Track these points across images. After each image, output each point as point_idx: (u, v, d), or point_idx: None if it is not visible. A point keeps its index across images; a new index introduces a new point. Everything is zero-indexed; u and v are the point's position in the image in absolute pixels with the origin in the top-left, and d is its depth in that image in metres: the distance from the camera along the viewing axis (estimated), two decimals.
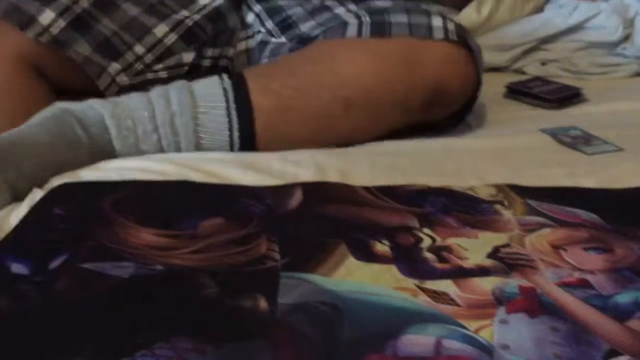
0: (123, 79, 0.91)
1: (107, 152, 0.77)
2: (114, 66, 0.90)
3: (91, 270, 0.58)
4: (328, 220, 0.68)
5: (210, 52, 0.97)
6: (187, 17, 0.95)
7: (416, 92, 0.85)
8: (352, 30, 0.87)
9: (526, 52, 1.34)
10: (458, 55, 0.88)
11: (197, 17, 0.96)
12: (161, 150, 0.79)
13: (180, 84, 0.82)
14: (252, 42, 1.00)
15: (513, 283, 0.58)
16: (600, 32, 1.31)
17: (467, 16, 1.41)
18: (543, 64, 1.32)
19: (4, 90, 0.86)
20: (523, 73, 1.31)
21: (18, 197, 0.71)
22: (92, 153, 0.77)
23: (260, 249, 0.62)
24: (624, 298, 0.57)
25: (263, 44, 0.98)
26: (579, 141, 0.90)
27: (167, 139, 0.79)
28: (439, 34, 0.88)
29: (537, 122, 0.98)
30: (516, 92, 1.14)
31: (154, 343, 0.48)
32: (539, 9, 1.47)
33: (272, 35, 0.98)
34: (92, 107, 0.78)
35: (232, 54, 0.99)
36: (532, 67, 1.32)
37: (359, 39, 0.87)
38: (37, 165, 0.73)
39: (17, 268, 0.58)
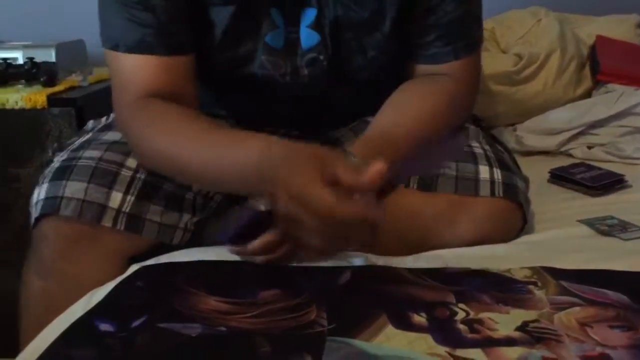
0: (193, 221, 0.93)
1: None
2: (185, 217, 0.92)
3: (166, 328, 0.68)
4: (372, 294, 0.75)
5: None
6: None
7: (450, 244, 0.87)
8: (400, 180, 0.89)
9: (573, 137, 1.39)
10: (502, 212, 0.89)
11: None
12: None
13: None
14: None
15: (537, 353, 0.64)
16: None
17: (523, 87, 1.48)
18: (589, 147, 1.37)
19: None
20: (570, 156, 1.37)
21: None
22: None
23: (310, 316, 0.70)
24: None
25: None
26: (615, 229, 0.94)
27: None
28: (485, 191, 0.88)
29: (578, 211, 1.02)
30: (559, 177, 1.18)
31: None
32: (588, 94, 1.54)
33: None
34: None
35: None
36: (579, 151, 1.37)
37: (404, 191, 0.88)
38: None
39: (105, 327, 0.69)
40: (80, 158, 0.89)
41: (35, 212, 0.87)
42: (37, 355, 0.64)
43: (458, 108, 0.97)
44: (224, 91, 1.03)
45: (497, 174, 0.91)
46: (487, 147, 0.97)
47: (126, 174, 0.88)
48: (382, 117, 0.92)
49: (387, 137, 0.86)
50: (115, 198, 0.86)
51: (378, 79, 0.99)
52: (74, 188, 0.85)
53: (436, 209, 0.88)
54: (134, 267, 0.82)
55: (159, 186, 0.91)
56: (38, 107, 1.43)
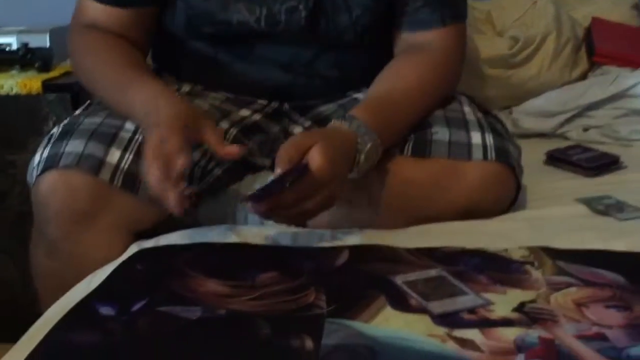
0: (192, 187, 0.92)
1: None
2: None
3: (165, 312, 0.68)
4: (370, 275, 0.76)
5: (256, 161, 1.02)
6: (228, 130, 0.99)
7: (446, 213, 0.89)
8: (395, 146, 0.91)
9: (569, 119, 1.39)
10: (495, 176, 0.90)
11: (234, 130, 1.00)
12: None
13: None
14: None
15: (534, 334, 0.65)
16: None
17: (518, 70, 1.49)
18: (585, 130, 1.37)
19: None
20: (566, 139, 1.37)
21: None
22: None
23: (308, 298, 0.71)
24: (637, 350, 0.62)
25: None
26: (612, 209, 0.94)
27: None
28: (477, 155, 0.90)
29: (575, 191, 1.02)
30: (556, 159, 1.19)
31: None
32: (584, 76, 1.54)
33: None
34: None
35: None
36: (574, 134, 1.37)
37: (399, 158, 0.90)
38: None
39: (105, 310, 0.69)
40: (80, 123, 0.92)
41: (36, 172, 0.88)
42: (37, 339, 0.64)
43: (446, 77, 0.99)
44: (205, 54, 1.02)
45: (489, 138, 0.92)
46: (479, 115, 0.98)
47: (125, 135, 0.90)
48: (377, 87, 0.95)
49: (384, 102, 0.90)
50: (114, 154, 0.88)
51: (363, 44, 1.00)
52: (73, 145, 0.88)
53: (429, 174, 0.90)
54: (133, 249, 0.82)
55: None
56: (33, 93, 1.42)
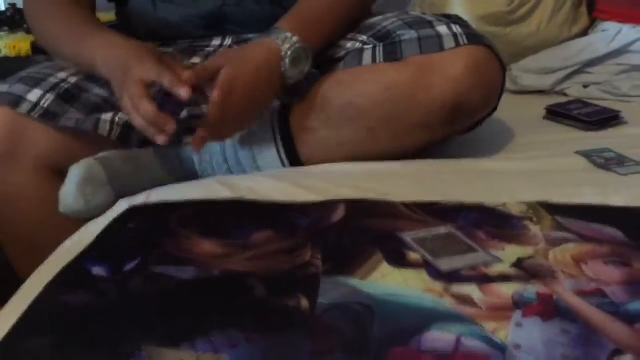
0: (122, 118, 0.92)
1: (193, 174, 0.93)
2: (107, 116, 0.92)
3: (159, 272, 0.67)
4: (367, 231, 0.75)
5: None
6: (196, 64, 0.98)
7: (433, 113, 0.87)
8: (367, 57, 0.91)
9: (569, 75, 1.38)
10: (475, 60, 0.87)
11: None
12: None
13: None
14: None
15: (532, 289, 0.64)
16: None
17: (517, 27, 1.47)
18: (585, 86, 1.35)
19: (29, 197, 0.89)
20: (565, 95, 1.36)
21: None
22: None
23: (304, 257, 0.69)
24: (636, 306, 0.62)
25: None
26: (612, 163, 0.94)
27: (234, 168, 0.93)
28: (449, 43, 0.88)
29: (574, 144, 1.02)
30: (556, 114, 1.18)
31: (210, 332, 0.56)
32: (584, 33, 1.52)
33: None
34: None
35: None
36: (574, 90, 1.36)
37: (373, 67, 0.90)
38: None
39: (97, 270, 0.68)
40: (17, 75, 0.94)
41: None
42: (29, 301, 0.63)
43: None
44: (145, 7, 1.04)
45: (457, 28, 0.90)
46: (437, 16, 0.97)
47: (53, 80, 0.92)
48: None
49: (306, 9, 0.92)
50: (35, 94, 0.89)
51: None
52: (0, 88, 0.90)
53: (408, 75, 0.88)
54: (123, 206, 0.80)
55: (84, 94, 0.92)
56: (22, 54, 1.40)
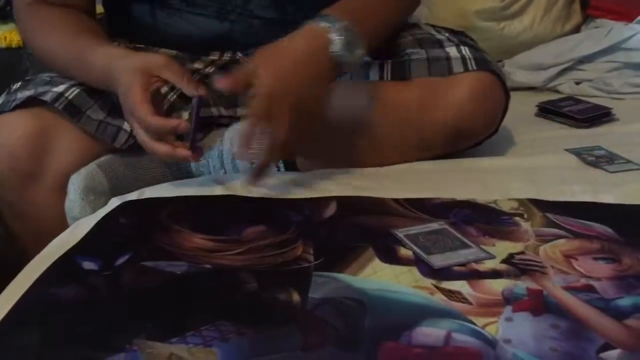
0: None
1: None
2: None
3: (150, 267, 0.67)
4: (358, 227, 0.75)
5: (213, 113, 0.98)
6: (198, 70, 0.97)
7: (435, 135, 0.88)
8: (374, 73, 0.91)
9: (561, 72, 1.38)
10: (481, 85, 0.88)
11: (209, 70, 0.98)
12: None
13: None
14: None
15: (522, 285, 0.64)
16: (634, 53, 1.34)
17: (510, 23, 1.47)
18: (577, 83, 1.36)
19: None
20: (557, 92, 1.36)
21: None
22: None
23: (296, 252, 0.70)
24: (625, 301, 0.62)
25: None
26: (602, 160, 0.94)
27: (231, 173, 0.91)
28: (458, 67, 0.89)
29: (565, 142, 1.02)
30: (547, 111, 1.18)
31: (201, 326, 0.56)
32: (577, 29, 1.52)
33: None
34: None
35: None
36: (566, 87, 1.36)
37: (379, 83, 0.89)
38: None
39: (88, 265, 0.68)
40: (37, 78, 0.93)
41: None
42: (19, 294, 0.63)
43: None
44: (144, 14, 1.00)
45: (465, 50, 0.91)
46: (447, 34, 0.97)
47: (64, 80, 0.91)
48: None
49: (357, 5, 0.87)
50: (60, 86, 0.89)
51: None
52: (23, 91, 0.89)
53: (413, 96, 0.88)
54: (115, 202, 0.80)
55: (107, 92, 0.90)
56: (14, 46, 1.39)
